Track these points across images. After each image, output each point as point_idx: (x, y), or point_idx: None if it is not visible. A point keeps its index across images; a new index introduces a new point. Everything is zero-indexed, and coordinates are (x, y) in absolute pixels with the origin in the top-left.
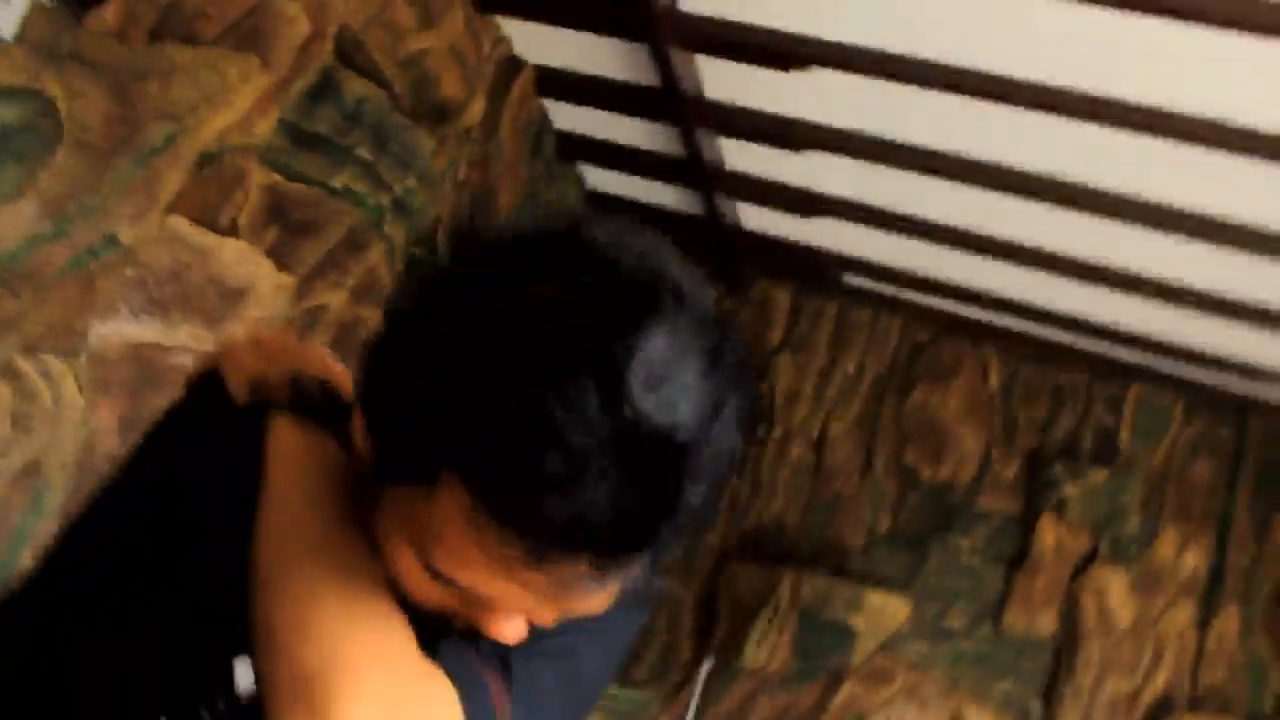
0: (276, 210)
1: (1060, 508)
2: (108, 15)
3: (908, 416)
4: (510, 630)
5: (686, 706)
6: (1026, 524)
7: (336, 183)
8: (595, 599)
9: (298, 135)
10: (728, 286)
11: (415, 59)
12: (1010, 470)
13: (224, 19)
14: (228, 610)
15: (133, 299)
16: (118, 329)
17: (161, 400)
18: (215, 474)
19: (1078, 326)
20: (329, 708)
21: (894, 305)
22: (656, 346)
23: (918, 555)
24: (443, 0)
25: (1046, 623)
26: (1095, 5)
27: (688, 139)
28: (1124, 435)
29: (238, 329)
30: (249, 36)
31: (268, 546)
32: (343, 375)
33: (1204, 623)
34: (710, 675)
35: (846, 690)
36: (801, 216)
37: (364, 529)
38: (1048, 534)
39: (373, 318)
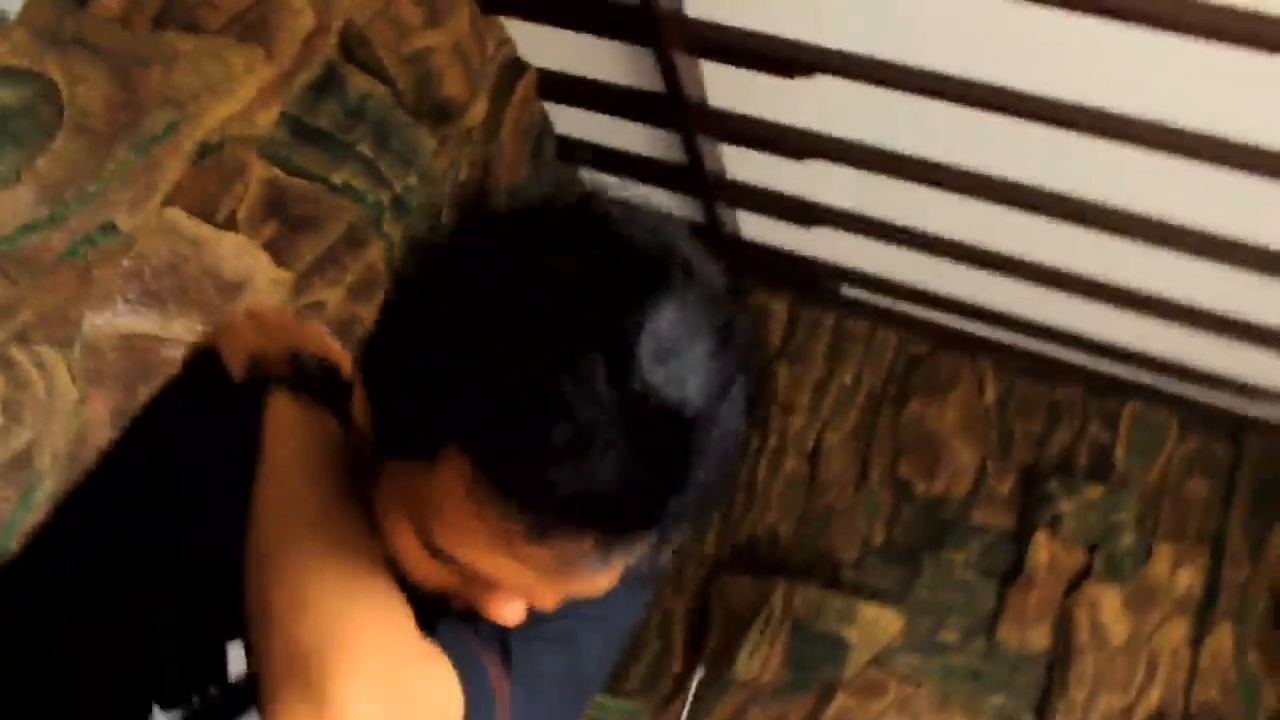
0: (276, 204)
1: (1055, 523)
2: (112, 0)
3: (903, 429)
4: (510, 612)
5: (678, 717)
6: (1021, 539)
7: (337, 179)
8: (598, 579)
9: (299, 129)
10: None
11: (419, 56)
12: (1005, 485)
13: (228, 9)
14: (221, 593)
15: (129, 290)
16: (113, 320)
17: None
18: (210, 451)
19: (1074, 342)
20: (324, 685)
21: (891, 318)
22: (666, 321)
23: (911, 568)
24: None
25: (1040, 638)
26: (1099, 18)
27: (689, 145)
28: (1119, 452)
29: (236, 308)
30: (253, 27)
31: (264, 522)
32: (341, 355)
33: (1198, 640)
34: (702, 686)
35: (838, 703)
36: (801, 226)
37: (363, 507)
38: (1042, 549)
39: (370, 317)
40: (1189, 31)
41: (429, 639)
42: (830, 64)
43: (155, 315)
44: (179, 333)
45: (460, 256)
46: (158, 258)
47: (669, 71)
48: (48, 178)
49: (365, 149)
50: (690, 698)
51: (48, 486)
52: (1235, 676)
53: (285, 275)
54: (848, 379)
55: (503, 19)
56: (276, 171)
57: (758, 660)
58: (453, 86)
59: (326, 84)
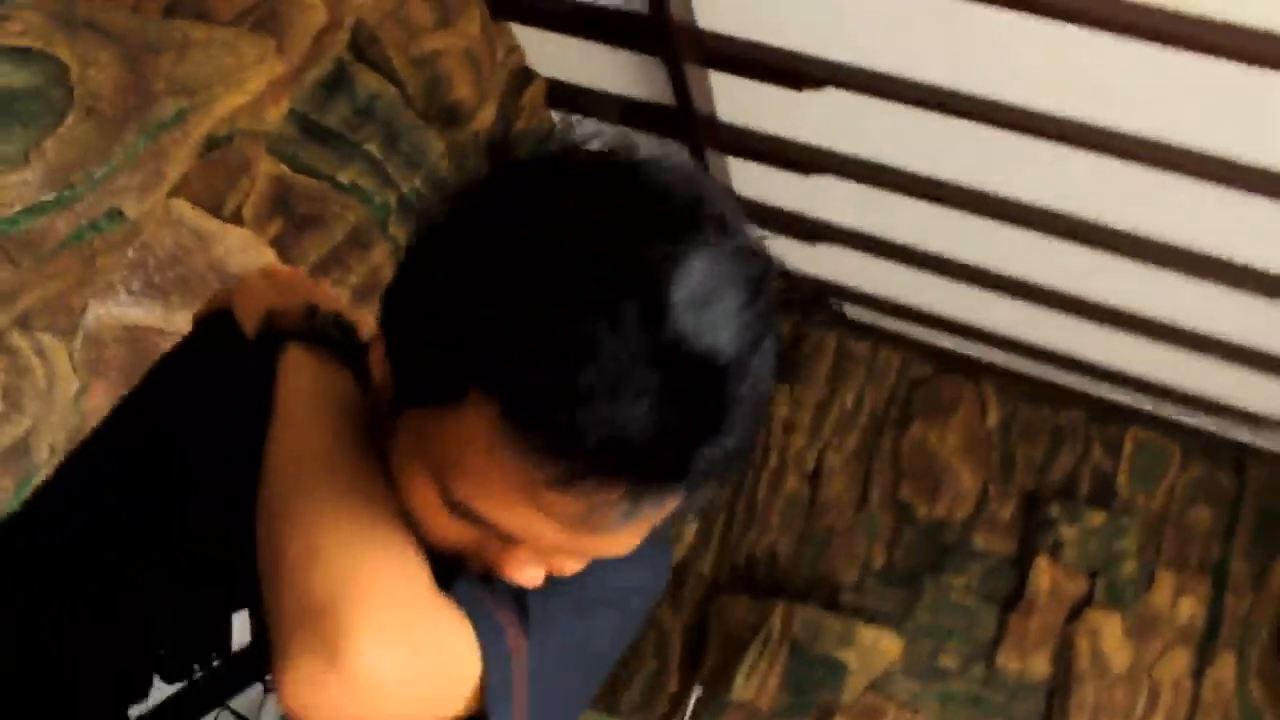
0: (282, 201)
1: (1056, 549)
2: None
3: (905, 451)
4: (528, 574)
5: None
6: (1022, 564)
7: (344, 178)
8: (622, 537)
9: (308, 126)
10: None
11: (429, 59)
12: (1006, 510)
13: (240, 2)
14: (225, 562)
15: (132, 280)
16: (115, 310)
17: None
18: (220, 412)
19: (1078, 367)
20: (338, 637)
21: (894, 340)
22: (699, 269)
23: (911, 592)
24: (460, 2)
25: (1040, 665)
26: (1114, 36)
27: (697, 158)
28: (1121, 479)
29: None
30: (265, 21)
31: (277, 474)
32: (359, 319)
33: (1199, 670)
34: (698, 707)
35: None
36: (806, 243)
37: (379, 464)
38: (1043, 575)
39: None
40: (1208, 52)
41: (445, 595)
42: (840, 77)
43: (158, 307)
44: (181, 326)
45: (488, 202)
46: (162, 249)
47: (679, 83)
48: (55, 160)
49: (373, 149)
50: (687, 717)
51: (45, 477)
52: (1237, 707)
53: None
54: (850, 400)
55: (513, 26)
56: (284, 168)
57: (755, 682)
58: (462, 90)
59: (336, 82)
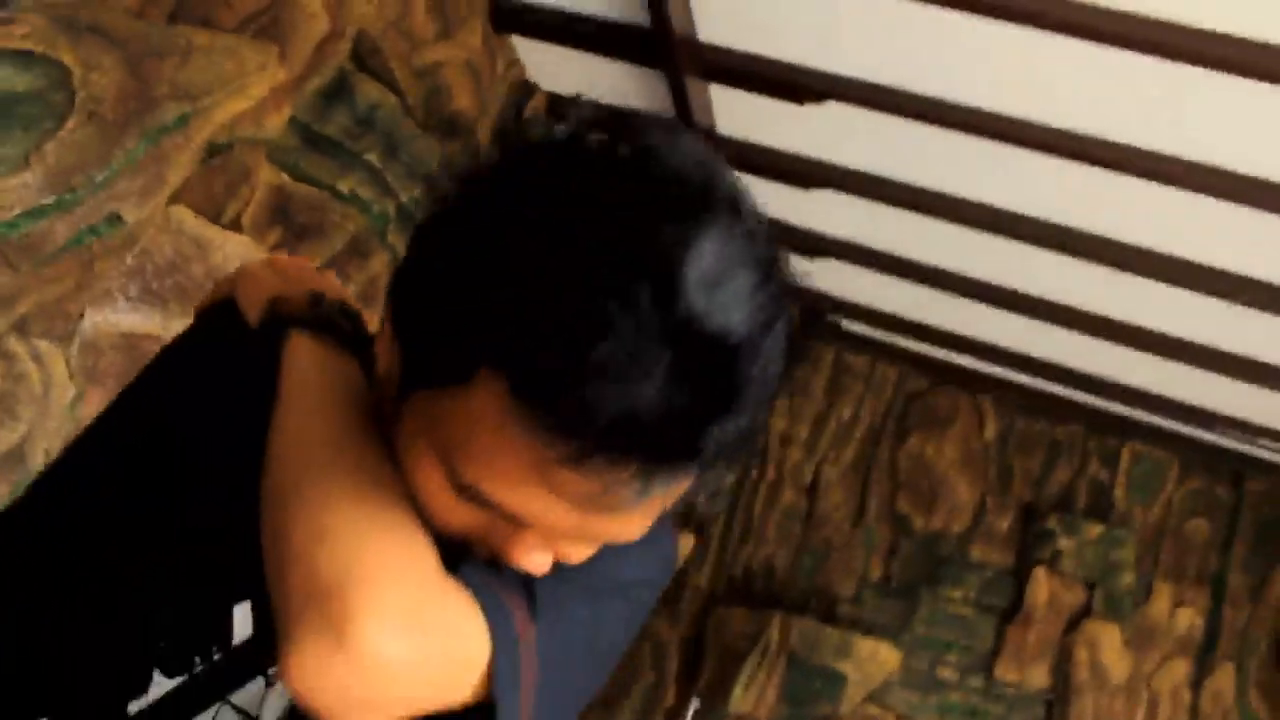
0: (281, 210)
1: (1054, 560)
2: None
3: (902, 464)
4: (536, 560)
5: None
6: (1019, 576)
7: (343, 187)
8: (632, 520)
9: (308, 135)
10: None
11: (430, 70)
12: (1004, 522)
13: (243, 9)
14: (226, 555)
15: (130, 287)
16: (113, 317)
17: None
18: (223, 401)
19: (1075, 379)
20: (345, 618)
21: (891, 353)
22: (711, 249)
23: (908, 604)
24: (462, 14)
25: (1038, 676)
26: (1120, 50)
27: None
28: (1119, 491)
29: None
30: (267, 29)
31: (283, 460)
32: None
33: (1198, 681)
34: (697, 717)
35: None
36: (805, 258)
37: (386, 449)
38: (1041, 587)
39: (372, 329)
40: (1211, 65)
41: (453, 578)
42: (841, 91)
43: (156, 315)
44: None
45: (500, 184)
46: (161, 256)
47: (679, 97)
48: (56, 164)
49: (373, 158)
50: None
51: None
52: (1237, 718)
53: None
54: (847, 413)
55: (514, 38)
56: (284, 177)
57: (753, 693)
58: (462, 101)
59: (337, 91)
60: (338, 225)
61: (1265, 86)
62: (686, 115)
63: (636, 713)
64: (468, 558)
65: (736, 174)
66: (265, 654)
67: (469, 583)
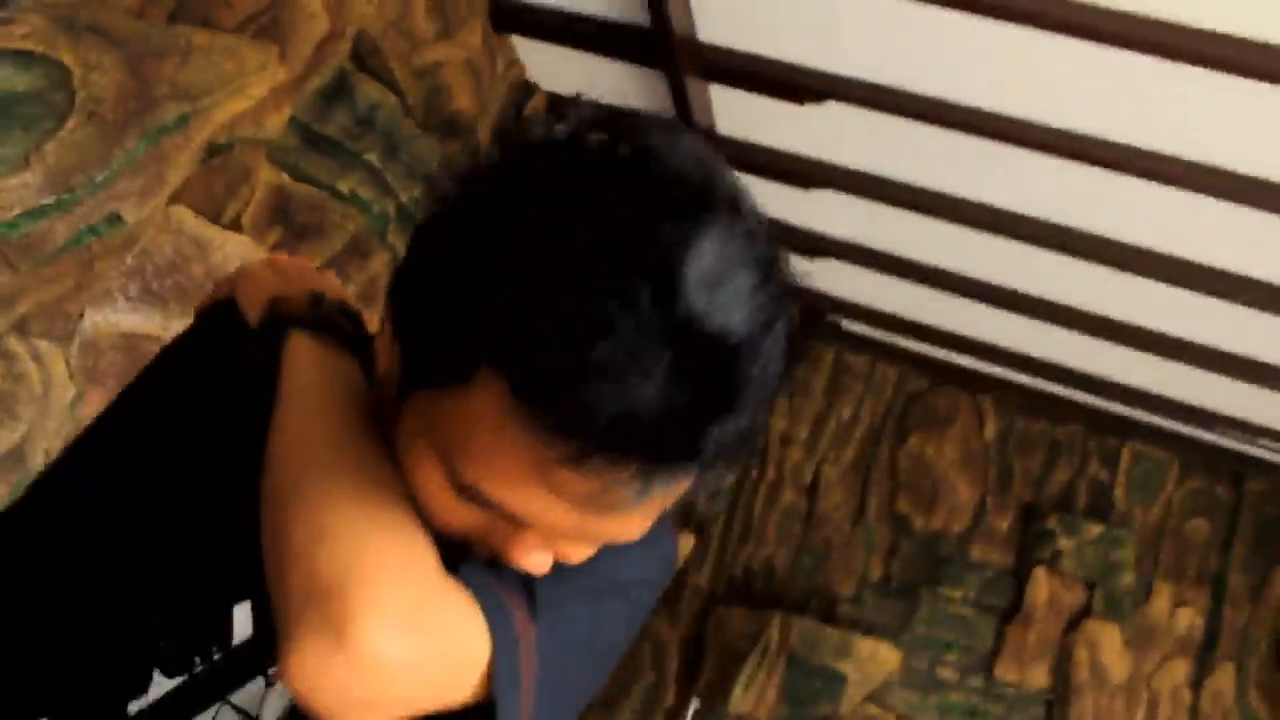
0: (281, 210)
1: (1054, 560)
2: None
3: (902, 465)
4: (536, 560)
5: None
6: (1019, 576)
7: (343, 187)
8: (632, 520)
9: (308, 135)
10: None
11: (430, 70)
12: (1004, 522)
13: (243, 9)
14: (226, 555)
15: (130, 287)
16: (113, 317)
17: None
18: (222, 401)
19: (1075, 380)
20: (345, 618)
21: (891, 353)
22: (711, 249)
23: (908, 604)
24: (462, 14)
25: (1038, 676)
26: (1119, 50)
27: None
28: (1119, 491)
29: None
30: (267, 29)
31: (282, 459)
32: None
33: (1198, 681)
34: (697, 717)
35: None
36: (805, 258)
37: (386, 449)
38: (1041, 586)
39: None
40: (1211, 65)
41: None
42: (841, 90)
43: (156, 315)
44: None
45: (500, 183)
46: (161, 256)
47: (679, 97)
48: (56, 164)
49: (373, 158)
50: None
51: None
52: (1237, 718)
53: None
54: (847, 413)
55: (514, 38)
56: (284, 177)
57: (753, 693)
58: (462, 101)
59: (337, 91)
60: (338, 225)
61: (1265, 86)
62: (686, 115)
63: (636, 713)
64: (468, 558)
65: (736, 174)
66: (265, 654)
67: (469, 583)
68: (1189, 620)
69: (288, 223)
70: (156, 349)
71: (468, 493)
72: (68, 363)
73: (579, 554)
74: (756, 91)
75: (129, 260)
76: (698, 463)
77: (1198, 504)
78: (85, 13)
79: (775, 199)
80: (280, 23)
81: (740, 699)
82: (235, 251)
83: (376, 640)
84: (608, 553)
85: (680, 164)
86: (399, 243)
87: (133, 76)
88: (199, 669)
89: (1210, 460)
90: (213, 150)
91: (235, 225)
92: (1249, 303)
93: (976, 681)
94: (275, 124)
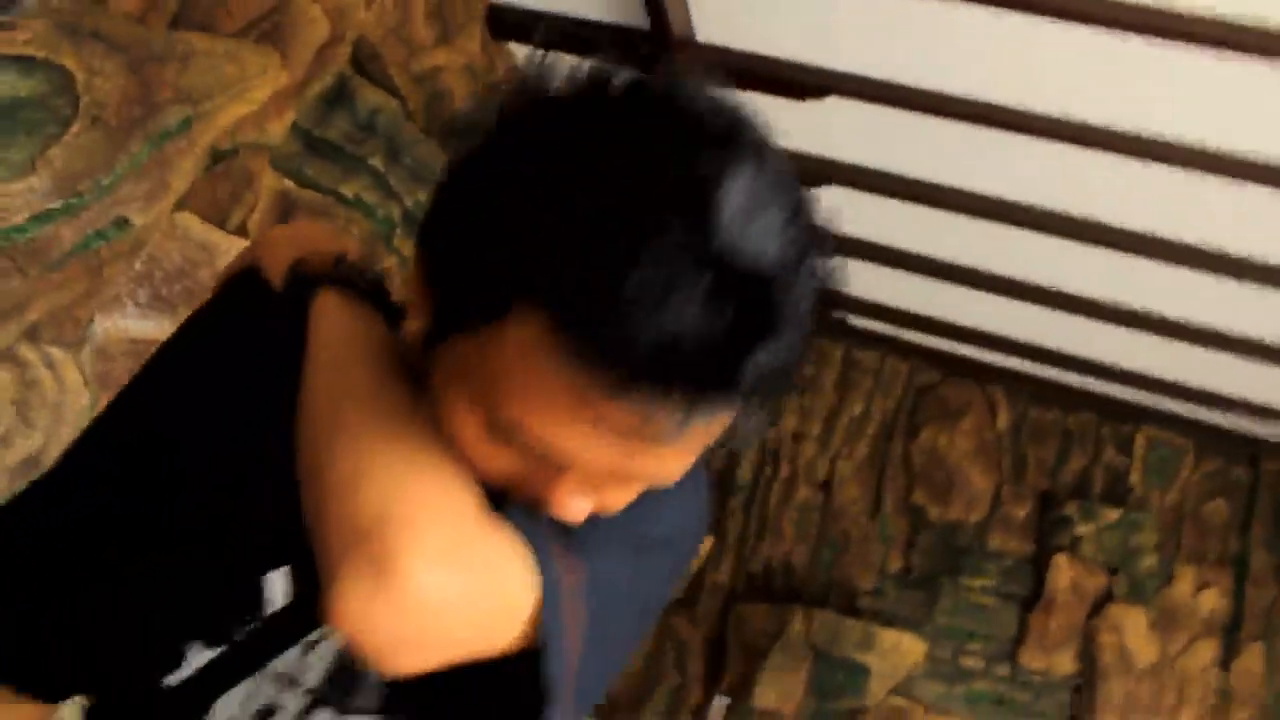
0: (285, 216)
1: (1074, 547)
2: (129, 0)
3: (916, 457)
4: (575, 505)
5: None
6: (1039, 563)
7: (347, 191)
8: (673, 455)
9: (311, 141)
10: None
11: (429, 75)
12: (1021, 510)
13: (244, 14)
14: (257, 521)
15: (139, 293)
16: (122, 323)
17: None
18: (248, 371)
19: (1087, 367)
20: (389, 562)
21: (900, 347)
22: (743, 184)
23: (929, 595)
24: (460, 19)
25: (1064, 662)
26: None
27: None
28: (1135, 477)
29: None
30: (268, 34)
31: (317, 410)
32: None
33: (1226, 661)
34: (723, 715)
35: None
36: None
37: (419, 399)
38: (1062, 572)
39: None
40: (1214, 47)
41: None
42: (841, 86)
43: (166, 321)
44: None
45: (531, 123)
46: (169, 262)
47: None
48: (62, 168)
49: (376, 162)
50: None
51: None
52: (1268, 697)
53: None
54: (858, 409)
55: (512, 44)
56: (288, 183)
57: (779, 689)
58: (462, 107)
59: (338, 96)
60: (342, 230)
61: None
62: None
63: (661, 715)
64: (507, 506)
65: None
66: (302, 620)
67: (513, 525)
68: (1213, 602)
69: None
70: None
71: (506, 435)
72: (80, 369)
73: (618, 500)
74: (756, 90)
75: (137, 266)
76: (738, 392)
77: (1215, 486)
78: (87, 18)
79: None
80: (280, 28)
81: (765, 695)
82: None
83: (420, 576)
84: (646, 505)
85: (708, 103)
86: (405, 247)
87: (135, 81)
88: (236, 637)
89: (1225, 443)
90: (216, 156)
91: (240, 231)
92: (1258, 282)
93: (1002, 670)
94: (278, 130)
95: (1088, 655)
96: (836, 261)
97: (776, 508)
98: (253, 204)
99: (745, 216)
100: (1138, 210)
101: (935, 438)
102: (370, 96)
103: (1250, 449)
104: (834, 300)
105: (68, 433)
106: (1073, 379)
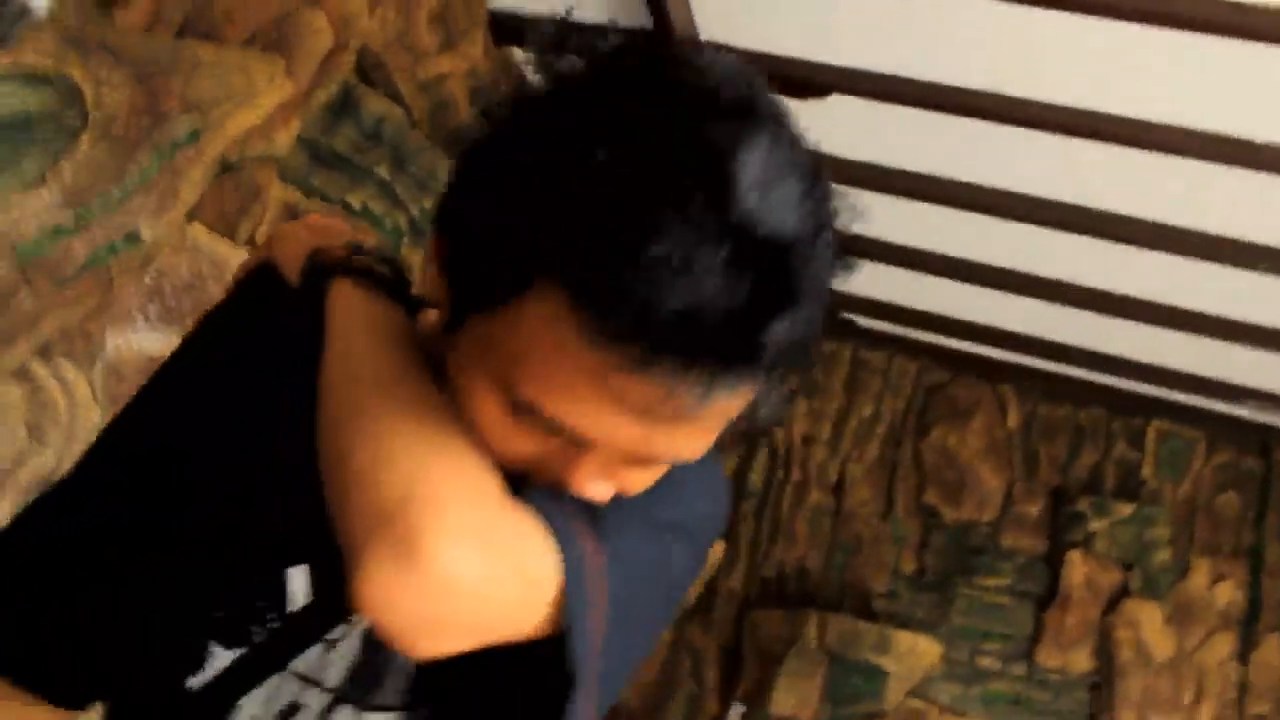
0: None
1: (1087, 543)
2: (135, 11)
3: (927, 457)
4: (597, 486)
5: None
6: (1053, 561)
7: (354, 201)
8: (692, 435)
9: (317, 152)
10: None
11: (434, 83)
12: (1033, 508)
13: (249, 24)
14: (276, 519)
15: (150, 308)
16: (133, 339)
17: None
18: (266, 365)
19: (1096, 361)
20: (412, 545)
21: (908, 347)
22: (760, 155)
23: (943, 596)
24: (463, 25)
25: (1081, 659)
26: (1124, 23)
27: None
28: (1147, 470)
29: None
30: (273, 44)
31: (337, 396)
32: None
33: (1244, 654)
34: None
35: None
36: None
37: (439, 387)
38: (1077, 569)
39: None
40: (1218, 32)
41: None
42: (845, 83)
43: (176, 335)
44: None
45: (548, 100)
46: (179, 276)
47: None
48: (72, 182)
49: (382, 171)
50: None
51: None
52: None
53: None
54: (868, 410)
55: (515, 50)
56: (295, 194)
57: (795, 695)
58: (467, 112)
59: (343, 105)
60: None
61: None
62: None
63: None
64: (528, 489)
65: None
66: (324, 618)
67: (535, 507)
68: (1229, 594)
69: None
70: None
71: (527, 415)
72: (92, 386)
73: (639, 481)
74: None
75: (147, 280)
76: (759, 365)
77: (1227, 478)
78: (93, 30)
79: None
80: (285, 38)
81: (782, 701)
82: None
83: (444, 556)
84: (666, 489)
85: (723, 76)
86: (412, 256)
87: (143, 92)
88: (257, 638)
89: (1236, 434)
90: (224, 167)
91: (249, 244)
92: (1266, 269)
93: (1019, 669)
94: (284, 140)
95: (1104, 652)
96: (846, 258)
97: (788, 512)
98: (260, 216)
99: (763, 187)
100: (1142, 199)
101: (945, 437)
102: (375, 105)
103: (1262, 438)
104: (841, 301)
105: (79, 450)
106: (1082, 373)
